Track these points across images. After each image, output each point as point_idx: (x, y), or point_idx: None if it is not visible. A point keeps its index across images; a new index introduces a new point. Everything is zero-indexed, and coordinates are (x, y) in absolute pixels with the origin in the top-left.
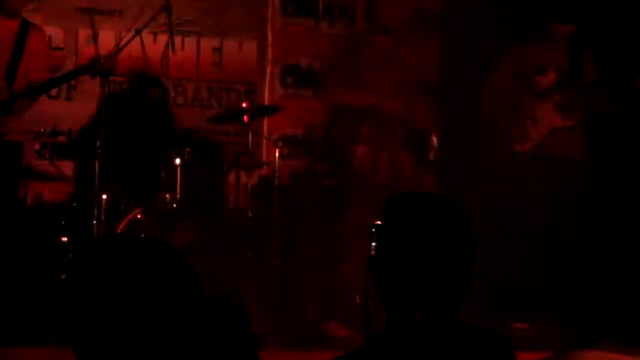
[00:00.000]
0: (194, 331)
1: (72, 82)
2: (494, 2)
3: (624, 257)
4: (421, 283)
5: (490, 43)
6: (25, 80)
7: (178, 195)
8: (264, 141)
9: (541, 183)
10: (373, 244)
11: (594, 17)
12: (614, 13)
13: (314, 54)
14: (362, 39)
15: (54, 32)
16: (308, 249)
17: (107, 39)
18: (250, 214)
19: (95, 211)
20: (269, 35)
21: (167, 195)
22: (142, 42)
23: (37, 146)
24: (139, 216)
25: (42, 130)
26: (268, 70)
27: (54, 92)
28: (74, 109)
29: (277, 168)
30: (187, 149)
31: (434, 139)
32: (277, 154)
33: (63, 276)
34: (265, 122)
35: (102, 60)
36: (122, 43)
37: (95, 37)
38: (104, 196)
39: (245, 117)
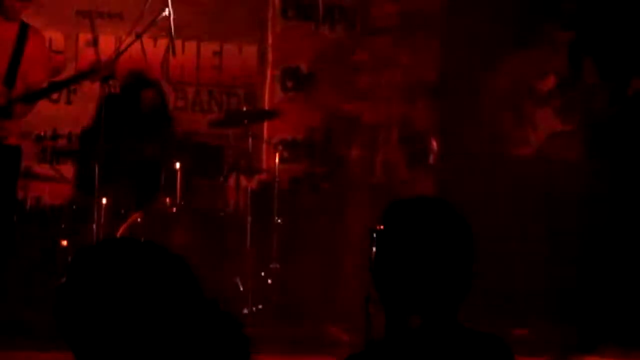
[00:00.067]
0: (192, 335)
1: (72, 86)
2: (493, 7)
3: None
4: (421, 287)
5: (490, 47)
6: (25, 84)
7: (178, 199)
8: (264, 145)
9: (541, 187)
10: (373, 248)
11: (593, 22)
12: (614, 18)
13: (314, 57)
14: (362, 41)
15: (54, 36)
16: (307, 254)
17: (107, 42)
18: (249, 218)
19: (95, 215)
20: (269, 39)
21: (167, 199)
22: (142, 46)
23: (37, 150)
24: (138, 220)
25: (43, 133)
26: (268, 74)
27: (54, 95)
28: (74, 112)
29: (277, 172)
30: (187, 153)
31: (434, 143)
32: (277, 158)
33: (62, 280)
34: (265, 126)
35: (102, 66)
36: (122, 47)
37: (95, 41)
38: (104, 200)
39: (245, 121)
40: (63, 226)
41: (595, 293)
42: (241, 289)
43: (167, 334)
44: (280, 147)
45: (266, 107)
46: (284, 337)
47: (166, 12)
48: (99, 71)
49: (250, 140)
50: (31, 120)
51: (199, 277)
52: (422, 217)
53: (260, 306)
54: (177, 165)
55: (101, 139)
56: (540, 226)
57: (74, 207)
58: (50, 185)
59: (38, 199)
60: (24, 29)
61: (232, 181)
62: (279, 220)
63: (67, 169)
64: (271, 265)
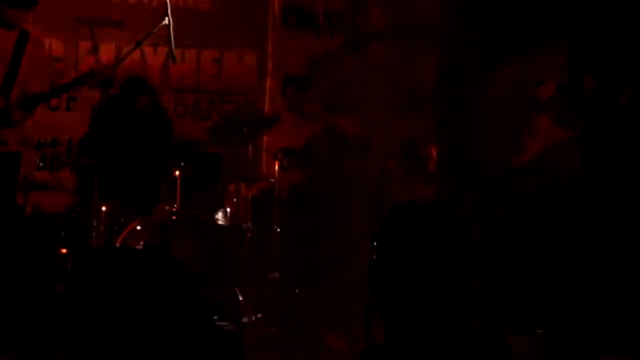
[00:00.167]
0: (189, 342)
1: (72, 93)
2: (493, 15)
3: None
4: (422, 292)
5: (490, 55)
6: (24, 91)
7: (177, 207)
8: (264, 153)
9: (538, 195)
10: (374, 255)
11: (593, 31)
12: (614, 26)
13: (313, 65)
14: (361, 49)
15: (54, 43)
16: (307, 260)
17: (107, 50)
18: (250, 225)
19: (95, 222)
20: (269, 46)
21: (167, 207)
22: (142, 54)
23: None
24: (138, 227)
25: (43, 140)
26: (268, 81)
27: (54, 102)
28: (74, 120)
29: (276, 180)
30: (186, 161)
31: (433, 151)
32: (277, 166)
33: (61, 287)
34: (264, 134)
35: (100, 70)
36: (123, 54)
37: (95, 48)
38: (104, 207)
39: (244, 128)
40: (62, 234)
41: (596, 302)
42: (240, 298)
43: (165, 343)
44: (280, 155)
45: (266, 115)
46: (283, 345)
47: (166, 21)
48: (97, 75)
49: (250, 148)
50: (31, 127)
51: (199, 285)
52: (423, 223)
53: (259, 315)
54: (177, 173)
55: (101, 145)
56: (537, 233)
57: (74, 214)
58: (50, 193)
59: (37, 207)
60: (24, 36)
61: (232, 189)
62: (278, 230)
63: (67, 178)
64: (270, 275)
